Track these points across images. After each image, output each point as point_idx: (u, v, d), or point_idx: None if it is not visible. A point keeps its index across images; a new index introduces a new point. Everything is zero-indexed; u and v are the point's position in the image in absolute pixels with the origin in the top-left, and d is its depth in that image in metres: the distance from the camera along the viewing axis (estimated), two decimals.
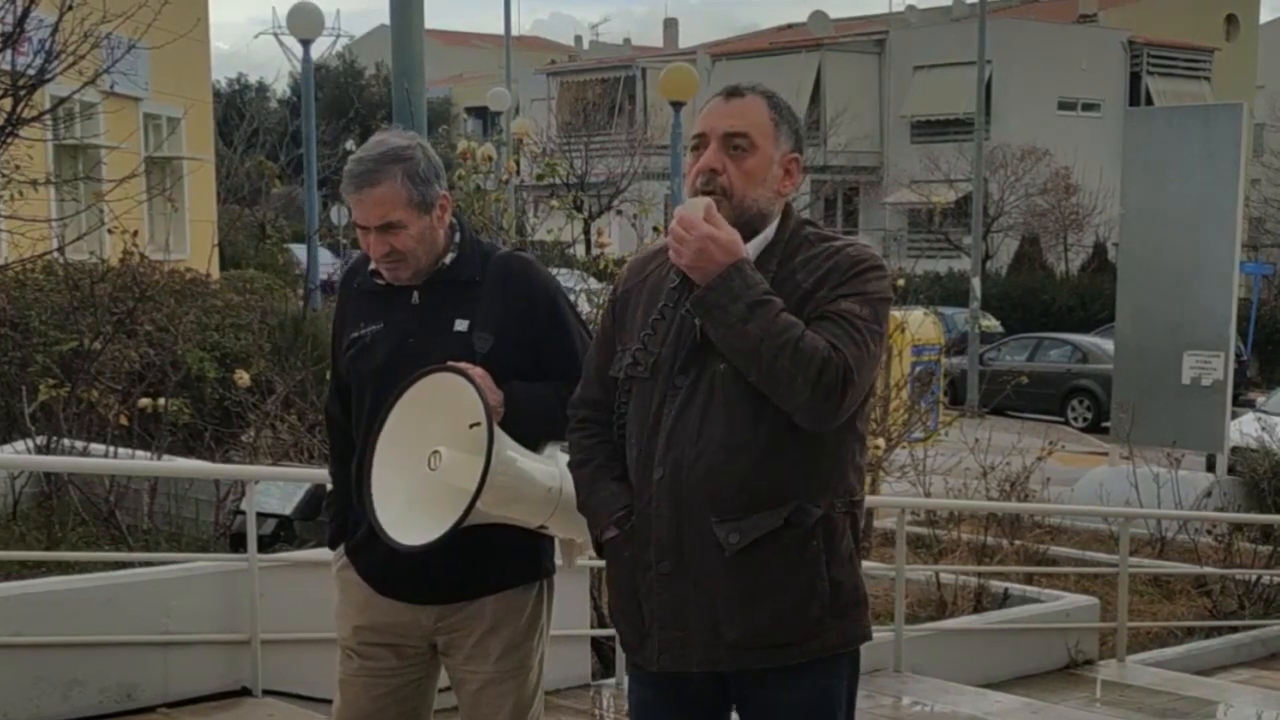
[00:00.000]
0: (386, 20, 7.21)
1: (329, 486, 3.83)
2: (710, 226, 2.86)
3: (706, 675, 3.03)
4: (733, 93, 3.04)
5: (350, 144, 31.20)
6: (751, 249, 2.97)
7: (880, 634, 7.31)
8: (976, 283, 25.62)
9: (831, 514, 2.95)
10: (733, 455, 2.90)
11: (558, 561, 3.63)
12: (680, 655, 2.99)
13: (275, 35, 45.94)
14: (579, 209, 10.00)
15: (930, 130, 42.82)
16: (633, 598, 3.04)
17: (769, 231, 3.02)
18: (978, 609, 8.64)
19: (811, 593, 2.94)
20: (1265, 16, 53.58)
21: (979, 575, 8.90)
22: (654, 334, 3.01)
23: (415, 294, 3.48)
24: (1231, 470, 13.75)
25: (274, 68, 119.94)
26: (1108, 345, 20.49)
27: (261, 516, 6.10)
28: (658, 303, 3.04)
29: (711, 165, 2.97)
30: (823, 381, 2.81)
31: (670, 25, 62.04)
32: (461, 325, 3.43)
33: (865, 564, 3.13)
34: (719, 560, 2.92)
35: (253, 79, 50.96)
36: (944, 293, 29.31)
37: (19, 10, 8.13)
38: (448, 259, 3.50)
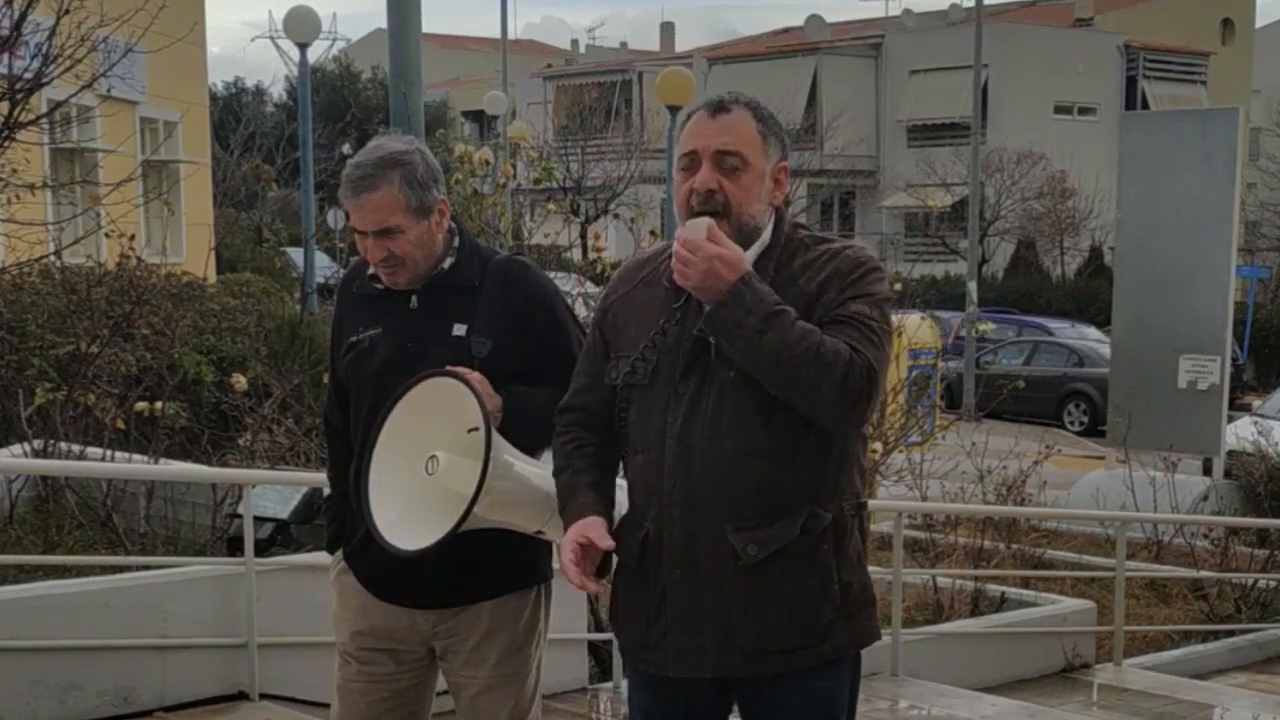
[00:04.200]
0: (383, 24, 7.22)
1: (326, 490, 3.83)
2: (715, 246, 2.87)
3: (711, 682, 3.04)
4: (718, 108, 3.02)
5: (346, 147, 31.15)
6: (748, 256, 2.98)
7: None
8: (973, 286, 25.61)
9: (841, 517, 2.98)
10: (745, 462, 2.92)
11: (555, 566, 3.63)
12: (695, 662, 3.00)
13: (272, 39, 46.00)
14: (575, 213, 10.01)
15: (926, 134, 42.83)
16: (644, 605, 3.05)
17: (764, 237, 3.04)
18: (974, 612, 8.65)
19: (824, 597, 2.96)
20: (1261, 21, 53.59)
21: (976, 579, 8.90)
22: (654, 346, 3.02)
23: (414, 298, 3.49)
24: (1228, 474, 13.74)
25: (270, 71, 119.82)
26: (1104, 349, 20.50)
27: (258, 520, 6.11)
28: (653, 311, 3.04)
29: (709, 186, 2.97)
30: (849, 385, 2.83)
31: (667, 29, 62.05)
32: (460, 330, 3.44)
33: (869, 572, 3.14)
34: (733, 568, 2.93)
35: (249, 83, 50.94)
36: (940, 296, 29.30)
37: (16, 14, 8.13)
38: (446, 263, 3.50)
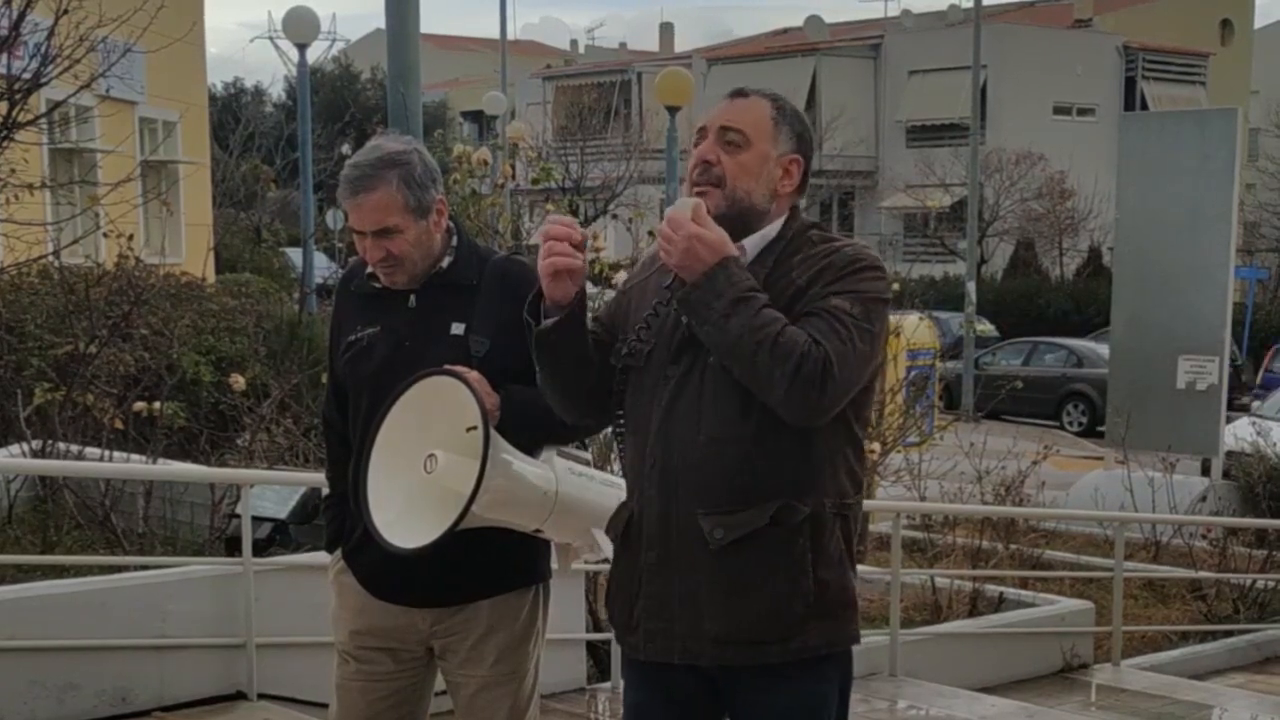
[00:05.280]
0: (382, 24, 7.22)
1: (325, 490, 3.83)
2: (697, 226, 2.88)
3: (697, 677, 3.04)
4: (737, 93, 3.10)
5: (346, 148, 31.22)
6: (751, 246, 3.00)
7: (875, 638, 7.32)
8: (971, 287, 25.61)
9: (820, 513, 2.96)
10: (720, 447, 2.92)
11: (553, 565, 3.63)
12: (664, 646, 3.01)
13: (271, 39, 45.99)
14: (575, 213, 10.02)
15: (925, 135, 42.82)
16: (628, 585, 3.07)
17: (771, 229, 3.05)
18: (973, 613, 8.65)
19: (795, 591, 2.94)
20: (1260, 22, 53.56)
21: (974, 579, 8.90)
22: (648, 328, 3.04)
23: (412, 298, 3.49)
24: (1226, 474, 13.75)
25: (269, 72, 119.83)
26: (1103, 350, 20.52)
27: (257, 520, 6.10)
28: (660, 293, 3.06)
29: (705, 157, 3.02)
30: (801, 375, 2.81)
31: (666, 29, 62.06)
32: (458, 329, 3.44)
33: (860, 568, 3.12)
34: (704, 553, 2.94)
35: (249, 83, 50.92)
36: (939, 297, 29.27)
37: (14, 13, 8.13)
38: (444, 263, 3.50)
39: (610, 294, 7.22)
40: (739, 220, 2.98)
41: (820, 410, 2.87)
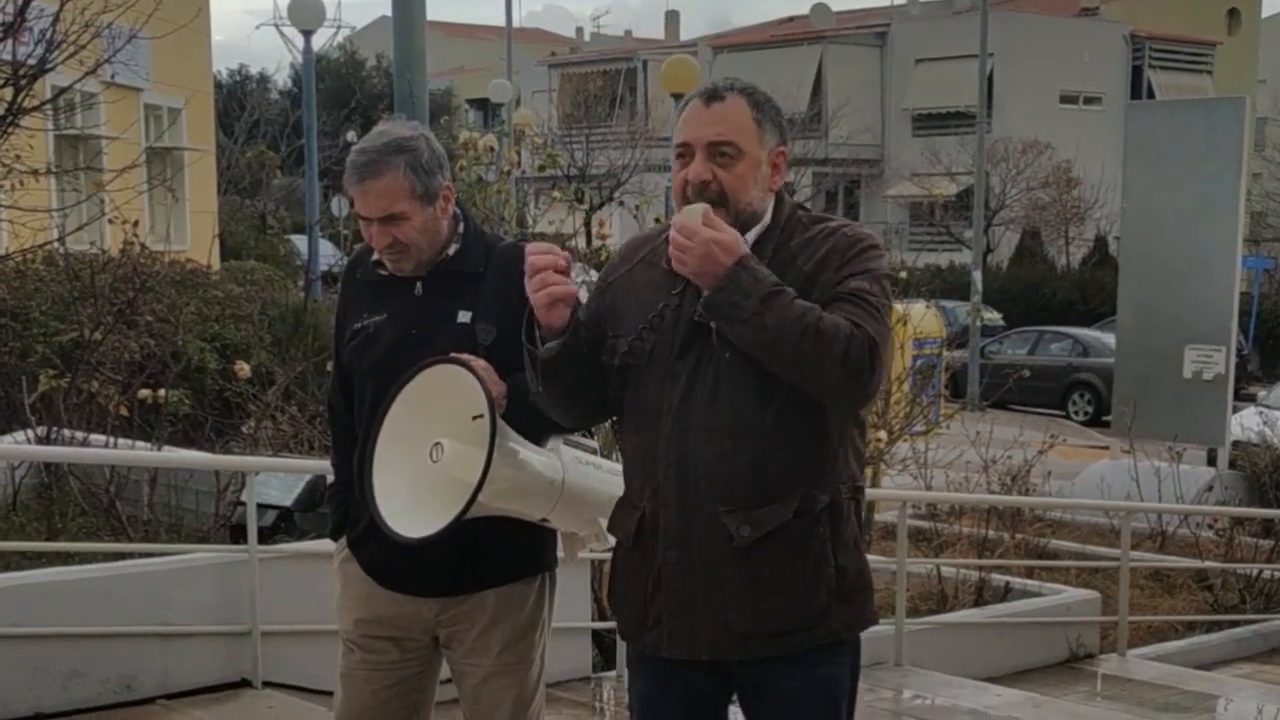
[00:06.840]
0: (388, 12, 7.19)
1: (330, 478, 3.82)
2: (711, 230, 2.85)
3: (708, 665, 3.03)
4: (711, 96, 3.00)
5: (351, 135, 31.18)
6: (747, 238, 2.96)
7: (881, 627, 7.31)
8: (978, 276, 25.59)
9: (837, 499, 2.96)
10: (740, 443, 2.91)
11: (559, 554, 3.62)
12: (689, 643, 3.00)
13: (276, 26, 45.88)
14: (580, 200, 10.00)
15: (932, 123, 42.75)
16: (641, 585, 3.04)
17: (764, 220, 3.03)
18: (979, 602, 8.64)
19: (818, 580, 2.94)
20: (1267, 10, 53.48)
21: (980, 569, 8.90)
22: (651, 329, 2.99)
23: (418, 285, 3.47)
24: (1233, 464, 13.73)
25: (275, 59, 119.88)
26: (1109, 339, 20.49)
27: (261, 508, 6.10)
28: (651, 291, 3.02)
29: (701, 177, 2.95)
30: (850, 359, 2.80)
31: (671, 18, 61.99)
32: (464, 317, 3.42)
33: (867, 557, 3.13)
34: (728, 550, 2.92)
35: (254, 70, 50.85)
36: (945, 286, 29.09)
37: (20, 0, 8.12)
38: (451, 250, 3.48)
39: None
40: (740, 228, 2.95)
41: (870, 393, 2.89)
